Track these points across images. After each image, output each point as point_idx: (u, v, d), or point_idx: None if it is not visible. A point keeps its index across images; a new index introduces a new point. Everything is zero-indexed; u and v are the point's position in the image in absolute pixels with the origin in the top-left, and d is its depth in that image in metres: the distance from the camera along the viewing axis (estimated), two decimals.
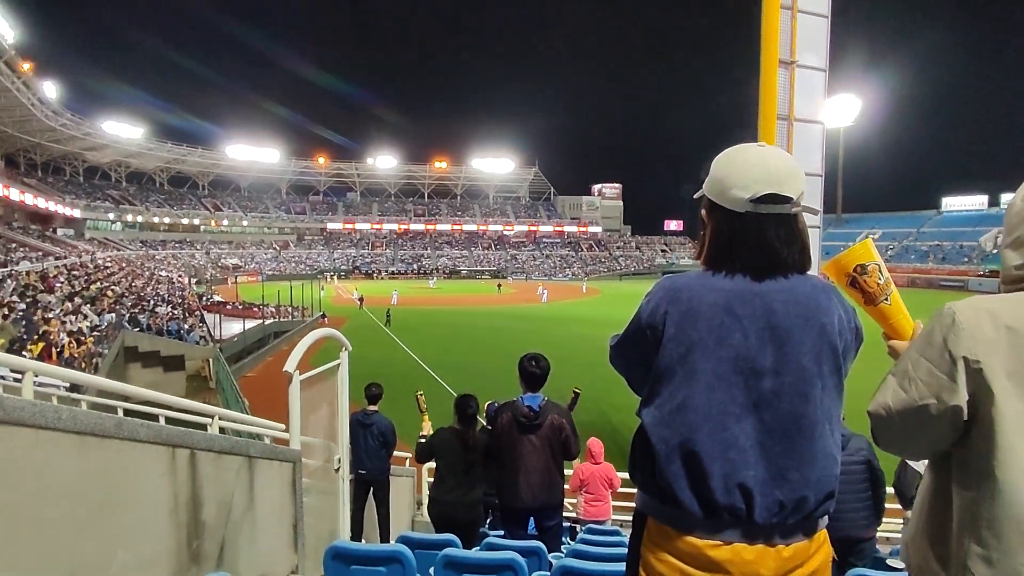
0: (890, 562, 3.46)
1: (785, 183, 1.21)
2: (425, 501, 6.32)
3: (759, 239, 1.21)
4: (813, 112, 9.37)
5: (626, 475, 6.25)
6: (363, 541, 5.06)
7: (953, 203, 71.07)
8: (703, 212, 1.31)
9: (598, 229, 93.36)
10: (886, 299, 1.37)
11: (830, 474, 1.19)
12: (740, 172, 1.22)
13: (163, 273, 43.02)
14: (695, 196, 1.34)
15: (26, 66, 36.97)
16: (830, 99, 10.57)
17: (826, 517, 1.23)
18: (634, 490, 1.34)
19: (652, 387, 1.25)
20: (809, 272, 1.26)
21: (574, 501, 6.04)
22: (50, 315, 15.25)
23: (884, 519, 3.63)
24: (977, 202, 68.46)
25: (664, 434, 1.20)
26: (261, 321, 28.13)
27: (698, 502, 1.16)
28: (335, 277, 65.56)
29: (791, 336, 1.17)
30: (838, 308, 1.22)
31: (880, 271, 1.43)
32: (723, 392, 1.17)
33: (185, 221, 71.17)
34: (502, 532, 3.91)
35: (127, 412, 4.25)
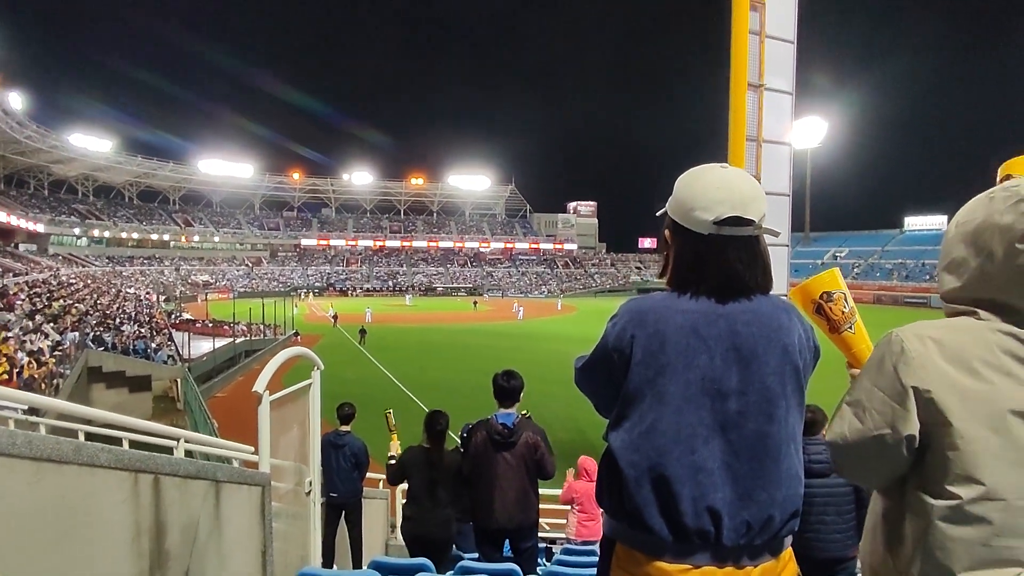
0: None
1: (748, 205, 1.23)
2: (399, 522, 6.22)
3: (722, 261, 1.22)
4: (781, 134, 9.64)
5: None
6: (335, 567, 4.94)
7: (915, 222, 73.40)
8: (666, 232, 1.32)
9: (573, 246, 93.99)
10: (850, 327, 1.39)
11: (795, 493, 1.20)
12: (703, 194, 1.24)
13: (130, 290, 41.90)
14: (657, 213, 1.35)
15: None
16: (798, 121, 10.88)
17: (791, 536, 1.23)
18: None
19: (620, 410, 1.25)
20: (771, 292, 1.28)
21: (563, 521, 5.97)
22: (9, 334, 14.72)
23: None
24: (938, 222, 70.74)
25: (633, 458, 1.19)
26: (232, 339, 27.53)
27: (668, 526, 1.15)
28: (310, 294, 64.63)
29: (755, 356, 1.19)
30: (798, 327, 1.24)
31: (845, 300, 1.44)
32: (691, 414, 1.17)
33: (154, 236, 69.50)
34: (476, 555, 3.86)
35: (89, 436, 4.09)
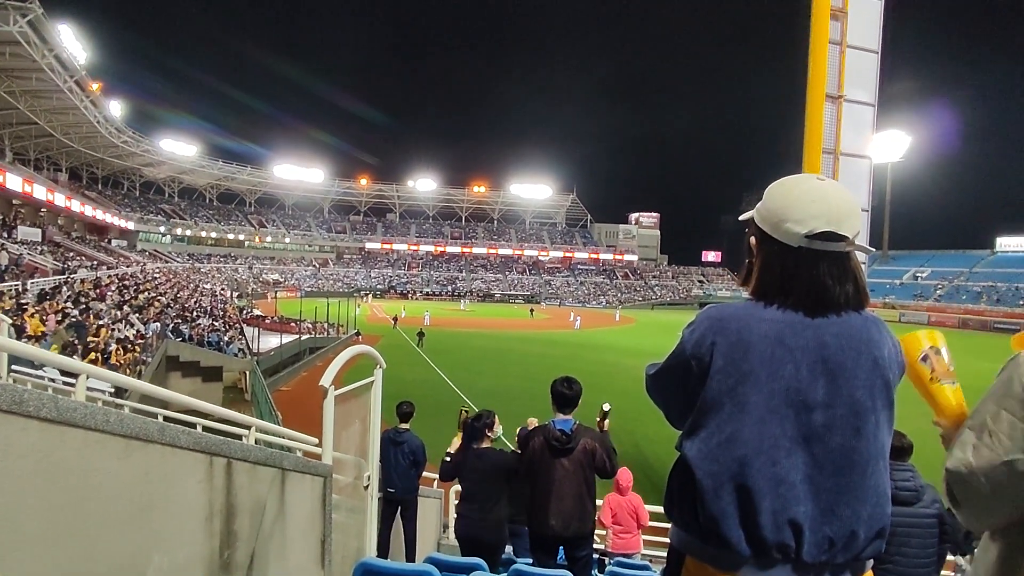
0: None
1: (844, 221, 1.18)
2: (451, 522, 6.28)
3: (811, 276, 1.18)
4: (860, 147, 9.23)
5: (655, 509, 6.12)
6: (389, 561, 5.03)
7: (1009, 243, 68.22)
8: (752, 240, 1.27)
9: (634, 257, 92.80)
10: (952, 382, 1.33)
11: (882, 512, 1.14)
12: (797, 206, 1.20)
13: (207, 286, 44.38)
14: (740, 218, 1.32)
15: (95, 86, 39.15)
16: (878, 134, 10.37)
17: (872, 559, 1.17)
18: (662, 524, 1.29)
19: (697, 419, 1.21)
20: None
21: (603, 532, 5.91)
22: (100, 322, 15.84)
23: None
24: None
25: (711, 468, 1.16)
26: (298, 336, 28.67)
27: (746, 539, 1.11)
28: (371, 296, 66.49)
29: (844, 369, 1.14)
30: (888, 341, 1.19)
31: (950, 359, 1.39)
32: (774, 425, 1.14)
33: (231, 236, 73.64)
34: (530, 560, 3.84)
35: (166, 419, 4.36)
